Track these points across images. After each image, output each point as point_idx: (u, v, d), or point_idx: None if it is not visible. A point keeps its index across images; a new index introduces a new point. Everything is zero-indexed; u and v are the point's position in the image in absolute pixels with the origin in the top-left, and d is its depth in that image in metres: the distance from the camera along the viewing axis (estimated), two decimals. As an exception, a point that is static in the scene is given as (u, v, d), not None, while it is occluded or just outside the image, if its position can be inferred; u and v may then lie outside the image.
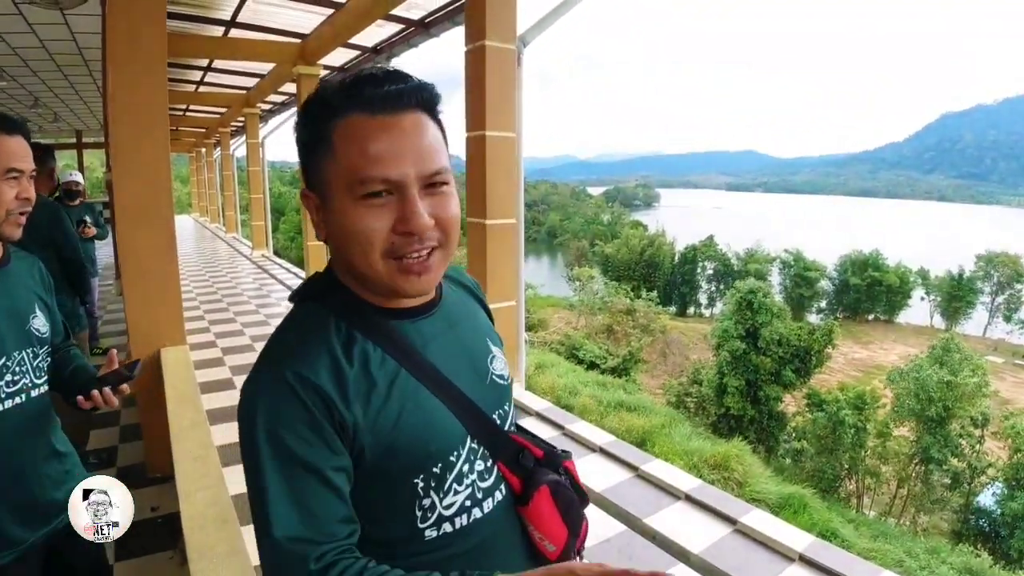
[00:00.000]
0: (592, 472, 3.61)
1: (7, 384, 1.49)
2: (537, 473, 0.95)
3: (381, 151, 0.78)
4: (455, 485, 0.88)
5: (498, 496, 0.93)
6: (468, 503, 0.89)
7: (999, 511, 19.35)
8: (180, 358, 3.69)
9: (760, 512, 3.15)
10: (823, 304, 53.31)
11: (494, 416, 0.95)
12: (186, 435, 2.64)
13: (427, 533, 0.87)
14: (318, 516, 0.77)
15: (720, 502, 3.24)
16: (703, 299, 57.92)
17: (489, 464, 0.93)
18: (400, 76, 0.82)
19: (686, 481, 3.46)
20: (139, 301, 3.67)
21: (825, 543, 2.92)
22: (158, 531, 3.04)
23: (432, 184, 0.82)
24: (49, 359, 1.67)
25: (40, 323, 1.61)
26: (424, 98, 0.83)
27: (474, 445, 0.90)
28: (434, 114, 0.86)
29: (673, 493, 3.37)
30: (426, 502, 0.86)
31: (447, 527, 0.88)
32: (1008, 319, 49.98)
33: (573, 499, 0.98)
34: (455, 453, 0.87)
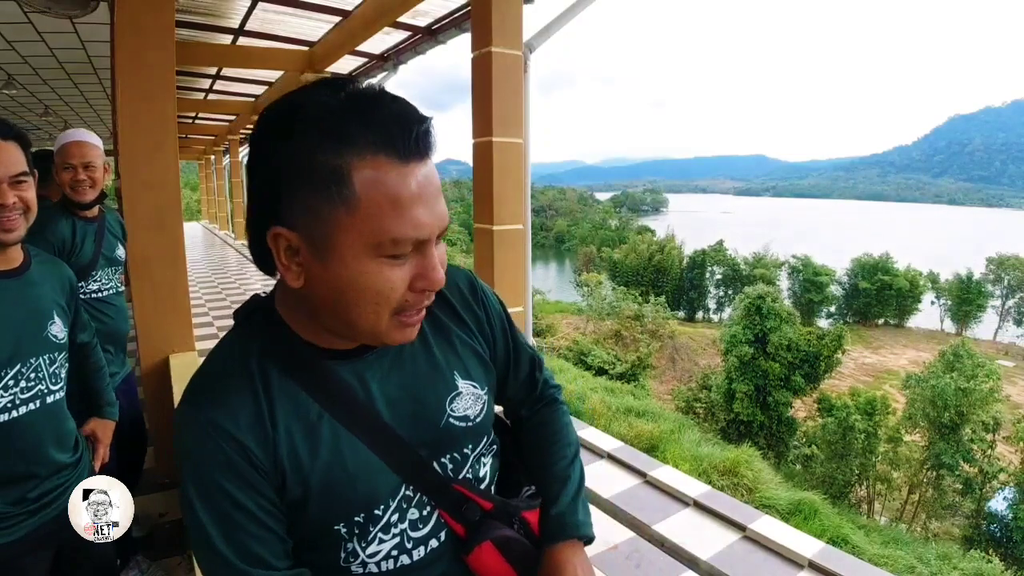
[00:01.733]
0: (600, 478, 3.60)
1: (22, 390, 1.49)
2: (483, 527, 0.90)
3: (419, 212, 0.70)
4: (380, 535, 0.83)
5: (433, 543, 0.88)
6: (395, 552, 0.85)
7: (1011, 516, 19.20)
8: (189, 364, 3.69)
9: (769, 518, 3.14)
10: (832, 309, 52.98)
11: (444, 460, 0.89)
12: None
13: (353, 569, 0.84)
14: (254, 553, 0.75)
15: (729, 508, 3.22)
16: (712, 304, 57.70)
17: (427, 512, 0.87)
18: (416, 110, 0.72)
19: (694, 487, 3.44)
20: (148, 307, 3.68)
21: (835, 549, 2.90)
22: (166, 537, 3.04)
23: (442, 235, 0.76)
24: (67, 364, 1.67)
25: (58, 329, 1.61)
26: (435, 139, 0.73)
27: (409, 493, 0.85)
28: None
29: (681, 499, 3.36)
30: (349, 547, 0.82)
31: (372, 568, 0.84)
32: (1019, 323, 49.75)
33: (528, 549, 0.93)
34: (381, 506, 0.82)
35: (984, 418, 21.87)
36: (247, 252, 12.37)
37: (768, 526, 3.03)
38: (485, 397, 0.94)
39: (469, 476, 0.92)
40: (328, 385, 0.79)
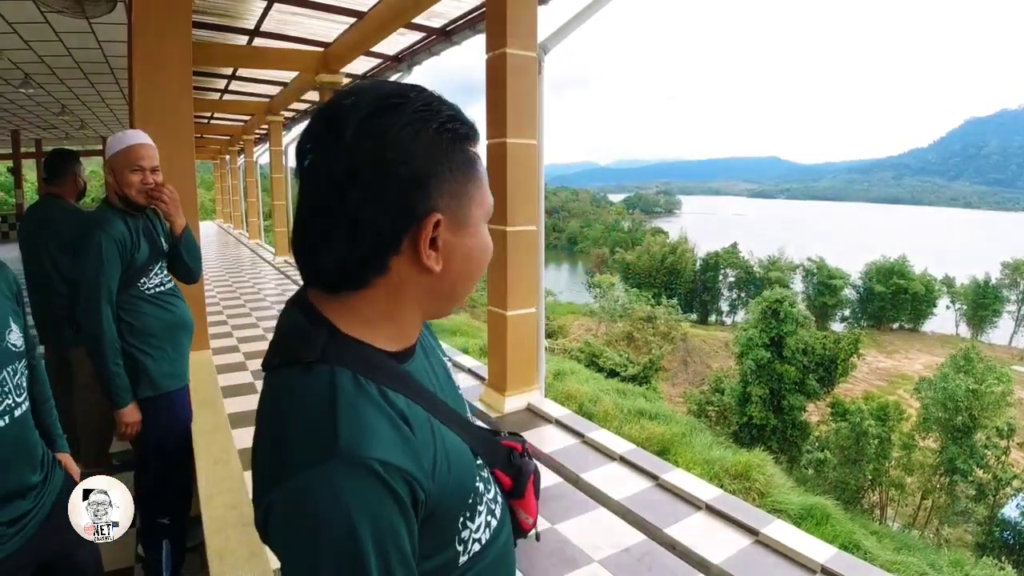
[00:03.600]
0: (611, 481, 3.60)
1: None
2: (524, 467, 0.98)
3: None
4: (478, 508, 0.86)
5: (499, 499, 0.93)
6: (488, 518, 0.88)
7: (1024, 523, 19.02)
8: (203, 362, 3.72)
9: (781, 523, 3.12)
10: (847, 312, 52.66)
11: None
12: (208, 439, 2.66)
13: (461, 560, 0.84)
14: None
15: (741, 512, 3.21)
16: (725, 307, 57.48)
17: (485, 473, 0.91)
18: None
19: (707, 491, 3.43)
20: (163, 306, 3.71)
21: (847, 555, 2.88)
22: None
23: None
24: (26, 373, 1.57)
25: (15, 337, 1.52)
26: None
27: (479, 462, 0.89)
28: None
29: (694, 503, 3.35)
30: (464, 535, 0.83)
31: (475, 546, 0.86)
32: (1036, 328, 49.25)
33: (539, 474, 1.03)
34: (478, 478, 0.86)
35: (998, 423, 21.68)
36: (261, 251, 12.49)
37: (780, 531, 3.02)
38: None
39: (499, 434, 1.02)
40: (419, 388, 0.81)
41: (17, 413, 1.48)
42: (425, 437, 0.75)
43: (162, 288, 2.60)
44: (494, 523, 0.90)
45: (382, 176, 0.72)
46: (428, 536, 0.75)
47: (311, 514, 0.64)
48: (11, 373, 1.47)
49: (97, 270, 2.36)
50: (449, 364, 1.01)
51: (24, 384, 1.54)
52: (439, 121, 0.75)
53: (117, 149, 2.44)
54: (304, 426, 0.69)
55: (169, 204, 2.55)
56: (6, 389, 1.45)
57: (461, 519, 0.82)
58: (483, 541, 0.87)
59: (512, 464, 0.96)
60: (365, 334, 0.78)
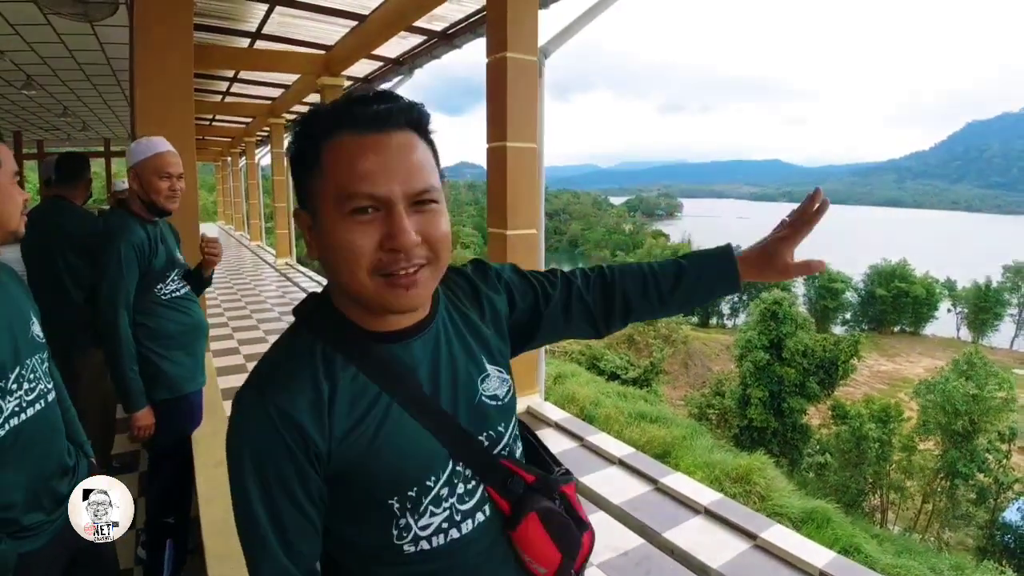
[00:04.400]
0: (611, 484, 3.60)
1: (27, 392, 1.47)
2: (526, 499, 0.94)
3: (368, 168, 0.78)
4: (431, 507, 0.88)
5: (480, 517, 0.93)
6: (445, 525, 0.89)
7: (1025, 527, 19.00)
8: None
9: (780, 527, 3.13)
10: (848, 316, 52.63)
11: (481, 438, 0.94)
12: (207, 441, 2.67)
13: (405, 548, 0.88)
14: (298, 551, 0.84)
15: (740, 517, 3.21)
16: (726, 309, 57.43)
17: (472, 486, 0.92)
18: (389, 96, 0.83)
19: (706, 495, 3.44)
20: (163, 308, 3.72)
21: (846, 559, 2.89)
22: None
23: (420, 202, 0.81)
24: (52, 363, 1.65)
25: (38, 329, 1.59)
26: (413, 117, 0.83)
27: (458, 468, 0.90)
28: (424, 134, 0.86)
29: (693, 507, 3.35)
30: (401, 522, 0.87)
31: (424, 544, 0.89)
32: (1037, 331, 49.22)
33: (567, 524, 0.97)
34: (432, 478, 0.87)
35: (999, 427, 21.65)
36: (262, 253, 12.56)
37: (779, 535, 3.03)
38: (509, 380, 1.01)
39: (505, 453, 0.98)
40: (383, 366, 0.86)
41: (50, 398, 1.55)
42: (350, 408, 0.83)
43: (178, 293, 2.63)
44: (455, 535, 0.90)
45: (291, 173, 0.87)
46: (344, 502, 0.85)
47: (231, 417, 0.83)
48: (39, 361, 1.54)
49: (117, 277, 2.39)
50: (489, 373, 0.98)
51: (50, 372, 1.60)
52: (305, 128, 0.83)
53: (145, 156, 2.46)
54: (258, 367, 0.87)
55: (215, 259, 2.79)
56: (37, 376, 1.52)
57: (396, 505, 0.85)
58: (434, 544, 0.89)
59: (508, 490, 0.94)
60: (341, 305, 0.89)
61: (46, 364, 1.59)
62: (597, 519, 3.28)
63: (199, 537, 2.33)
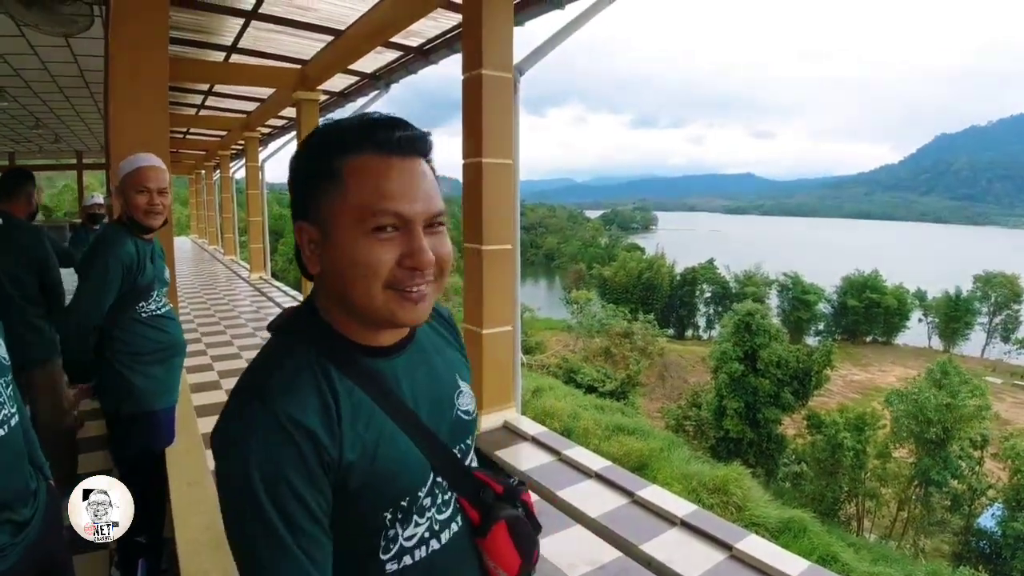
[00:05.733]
0: (587, 498, 3.61)
1: None
2: (495, 508, 0.99)
3: (395, 188, 0.83)
4: (416, 518, 0.91)
5: (453, 527, 0.97)
6: (427, 535, 0.93)
7: (1000, 532, 19.20)
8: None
9: (756, 537, 3.16)
10: (821, 327, 53.14)
11: (455, 451, 0.99)
12: (181, 460, 2.64)
13: (388, 566, 0.90)
14: (317, 561, 0.80)
15: (716, 527, 3.24)
16: (701, 322, 57.77)
17: (447, 497, 0.97)
18: (408, 125, 0.88)
19: (682, 507, 3.46)
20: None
21: (821, 568, 2.92)
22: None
23: (432, 224, 0.87)
24: (15, 385, 1.61)
25: (3, 350, 1.55)
26: (428, 148, 0.90)
27: (438, 480, 0.95)
28: (431, 162, 0.91)
29: (669, 519, 3.37)
30: (390, 534, 0.89)
31: (407, 559, 0.91)
32: (1006, 339, 49.89)
33: (529, 532, 1.02)
34: (421, 489, 0.92)
35: (971, 434, 21.93)
36: (236, 268, 12.45)
37: (755, 545, 3.05)
38: (473, 396, 1.08)
39: (474, 465, 1.05)
40: (374, 380, 0.90)
41: (13, 422, 1.51)
42: (353, 421, 0.85)
43: (159, 312, 2.63)
44: (436, 545, 0.94)
45: (292, 185, 0.91)
46: (346, 512, 0.85)
47: (224, 431, 0.81)
48: (3, 385, 1.50)
49: (99, 290, 2.40)
50: (463, 390, 1.05)
51: (14, 395, 1.56)
52: (322, 141, 0.88)
53: (125, 172, 2.49)
54: (254, 370, 0.87)
55: None
56: (1, 400, 1.48)
57: (388, 516, 0.89)
58: (416, 557, 0.92)
59: (481, 500, 1.00)
60: (331, 318, 0.91)
61: (10, 388, 1.54)
62: (574, 532, 3.29)
63: (174, 557, 2.32)
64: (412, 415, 0.92)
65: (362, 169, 0.83)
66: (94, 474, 3.63)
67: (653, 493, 3.62)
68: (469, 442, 1.04)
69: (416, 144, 0.88)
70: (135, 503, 2.63)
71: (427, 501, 0.93)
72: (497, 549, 0.99)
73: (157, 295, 2.61)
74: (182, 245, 23.59)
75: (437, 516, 0.95)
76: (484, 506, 0.99)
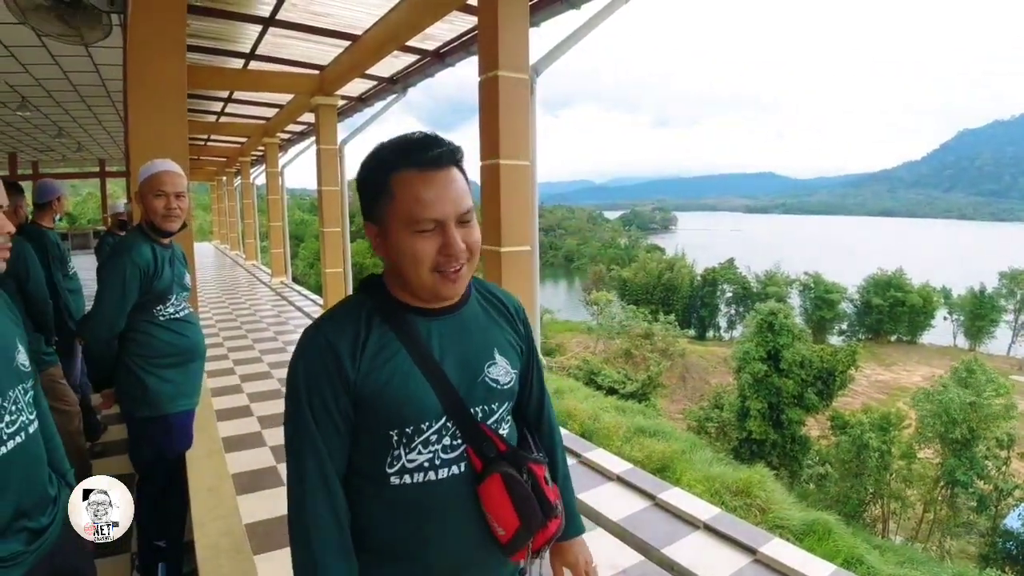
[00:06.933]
0: (609, 501, 3.58)
1: (7, 425, 1.43)
2: (495, 462, 1.15)
3: (430, 198, 1.06)
4: (420, 447, 1.12)
5: (455, 470, 1.15)
6: (427, 465, 1.13)
7: (1026, 533, 18.90)
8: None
9: (780, 541, 3.11)
10: (844, 326, 52.65)
11: (476, 409, 1.18)
12: (201, 464, 2.65)
13: (392, 479, 1.13)
14: (334, 452, 1.12)
15: (740, 531, 3.20)
16: (723, 322, 57.43)
17: (457, 442, 1.15)
18: (440, 142, 1.10)
19: (705, 510, 3.42)
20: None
21: (846, 572, 2.87)
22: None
23: (462, 219, 1.10)
24: (35, 392, 1.61)
25: (23, 358, 1.56)
26: (456, 157, 1.12)
27: (448, 424, 1.14)
28: (461, 167, 1.13)
29: (691, 522, 3.34)
30: (396, 452, 1.12)
31: (407, 478, 1.13)
32: (1033, 337, 49.21)
33: (528, 496, 1.15)
34: (427, 423, 1.12)
35: (997, 434, 21.60)
36: (258, 272, 12.56)
37: (779, 549, 3.01)
38: (513, 373, 1.26)
39: (493, 427, 1.20)
40: (406, 328, 1.15)
41: (31, 430, 1.52)
42: (377, 351, 1.12)
43: (176, 316, 2.64)
44: (433, 477, 1.14)
45: (360, 193, 1.15)
46: (358, 424, 1.13)
47: (297, 349, 1.14)
48: (22, 392, 1.51)
49: (119, 296, 2.44)
50: (497, 362, 1.23)
51: (33, 402, 1.57)
52: (376, 163, 1.11)
53: (143, 177, 2.53)
54: (329, 311, 1.19)
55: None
56: (19, 407, 1.49)
57: (394, 436, 1.12)
58: (415, 479, 1.13)
59: (482, 452, 1.16)
60: (390, 285, 1.19)
61: (30, 394, 1.55)
62: (595, 536, 3.26)
63: (194, 562, 2.32)
64: (435, 363, 1.14)
65: (404, 183, 1.07)
66: (111, 479, 3.67)
67: (675, 496, 3.58)
68: (495, 407, 1.21)
69: (446, 157, 1.09)
70: (154, 507, 2.66)
71: (433, 436, 1.13)
72: (492, 500, 1.14)
73: (176, 299, 2.62)
74: (205, 250, 23.82)
75: (441, 454, 1.14)
76: (485, 458, 1.16)
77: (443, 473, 1.14)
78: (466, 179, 1.14)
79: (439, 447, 1.13)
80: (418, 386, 1.12)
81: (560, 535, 1.27)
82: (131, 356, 2.51)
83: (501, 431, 1.23)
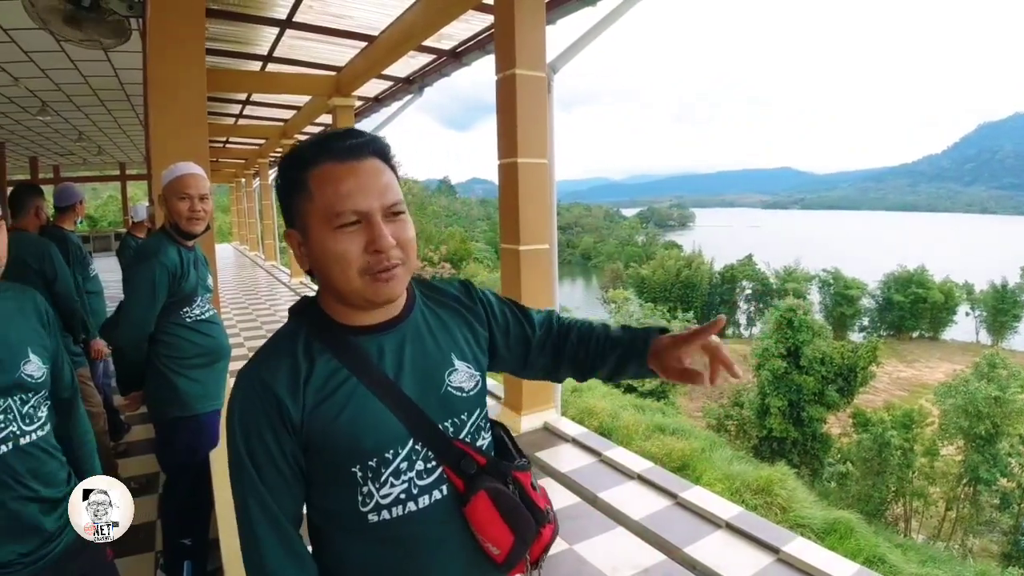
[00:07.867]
0: (630, 500, 3.58)
1: None
2: (477, 479, 1.06)
3: (351, 189, 0.96)
4: (391, 479, 1.02)
5: (437, 495, 1.05)
6: (403, 496, 1.03)
7: (1050, 532, 18.67)
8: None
9: (803, 540, 3.09)
10: (865, 322, 52.16)
11: (446, 424, 1.07)
12: (225, 462, 2.67)
13: (369, 517, 1.02)
14: (281, 500, 1.00)
15: (762, 530, 3.18)
16: (742, 319, 57.06)
17: (431, 465, 1.05)
18: (359, 132, 1.02)
19: (727, 509, 3.40)
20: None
21: (869, 571, 2.84)
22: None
23: (392, 213, 1.00)
24: (49, 402, 1.57)
25: (33, 368, 1.49)
26: (378, 147, 1.03)
27: (417, 447, 1.04)
28: (388, 160, 1.04)
29: (714, 521, 3.32)
30: (364, 490, 1.01)
31: (386, 514, 1.02)
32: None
33: (517, 506, 1.07)
34: (392, 451, 1.02)
35: (1021, 431, 21.31)
36: (277, 273, 12.64)
37: (802, 548, 2.99)
38: (478, 376, 1.16)
39: (467, 440, 1.10)
40: (352, 353, 1.03)
41: (23, 441, 1.46)
42: (323, 385, 1.01)
43: (203, 316, 2.66)
44: (413, 508, 1.03)
45: (279, 198, 1.06)
46: (318, 469, 1.02)
47: (232, 391, 1.02)
48: (17, 402, 1.46)
49: (149, 299, 2.47)
50: (457, 368, 1.12)
51: (38, 414, 1.52)
52: (291, 160, 1.02)
53: (167, 180, 2.55)
54: (263, 345, 1.08)
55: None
56: (10, 417, 1.43)
57: (358, 473, 1.01)
58: (394, 514, 1.03)
59: (461, 469, 1.07)
60: (325, 305, 1.07)
61: (29, 406, 1.49)
62: (616, 535, 3.25)
63: (219, 560, 2.33)
64: (391, 385, 1.03)
65: (322, 176, 0.97)
66: (138, 478, 3.72)
67: (697, 495, 3.57)
68: (465, 417, 1.11)
69: (367, 147, 1.01)
70: (180, 505, 2.69)
71: (403, 465, 1.02)
72: (481, 520, 1.05)
73: (201, 300, 2.65)
74: (225, 251, 24.02)
75: (417, 480, 1.04)
76: (466, 476, 1.06)
77: (424, 501, 1.04)
78: (395, 173, 1.04)
79: (412, 474, 1.03)
80: (375, 413, 1.01)
81: (654, 347, 1.17)
82: (160, 358, 2.54)
83: (479, 443, 1.13)
